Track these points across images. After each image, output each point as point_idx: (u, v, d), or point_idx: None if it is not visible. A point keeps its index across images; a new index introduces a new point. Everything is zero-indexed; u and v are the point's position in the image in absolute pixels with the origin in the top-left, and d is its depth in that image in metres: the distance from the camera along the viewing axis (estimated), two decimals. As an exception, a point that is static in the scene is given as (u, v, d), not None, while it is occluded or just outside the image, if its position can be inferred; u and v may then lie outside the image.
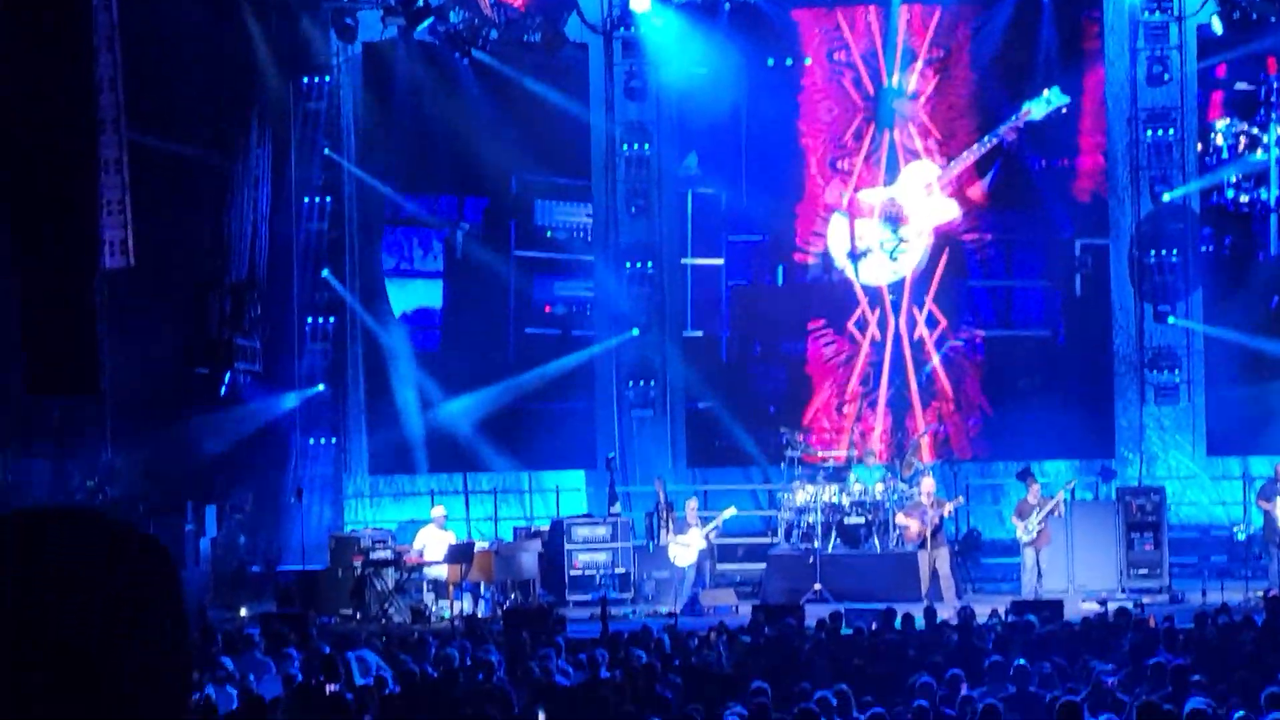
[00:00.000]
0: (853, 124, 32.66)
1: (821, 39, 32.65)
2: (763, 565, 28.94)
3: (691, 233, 33.05)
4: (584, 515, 30.24)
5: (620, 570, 28.73)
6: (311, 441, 31.98)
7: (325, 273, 31.72)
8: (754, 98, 32.71)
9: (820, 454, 30.29)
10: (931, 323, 32.42)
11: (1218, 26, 30.93)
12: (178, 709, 2.26)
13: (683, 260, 32.85)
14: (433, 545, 27.46)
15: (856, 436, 30.96)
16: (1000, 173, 32.09)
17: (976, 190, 32.26)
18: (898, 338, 32.43)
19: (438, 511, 28.66)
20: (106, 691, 2.17)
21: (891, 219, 32.29)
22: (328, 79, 32.02)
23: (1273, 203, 31.65)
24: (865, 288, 32.49)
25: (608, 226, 32.97)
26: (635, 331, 32.57)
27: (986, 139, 31.25)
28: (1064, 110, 30.66)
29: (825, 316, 32.80)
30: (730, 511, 28.76)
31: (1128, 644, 18.25)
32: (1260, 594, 25.55)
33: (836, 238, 32.65)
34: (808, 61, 32.67)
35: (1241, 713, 13.48)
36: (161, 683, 2.23)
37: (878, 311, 32.48)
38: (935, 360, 32.32)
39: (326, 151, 31.81)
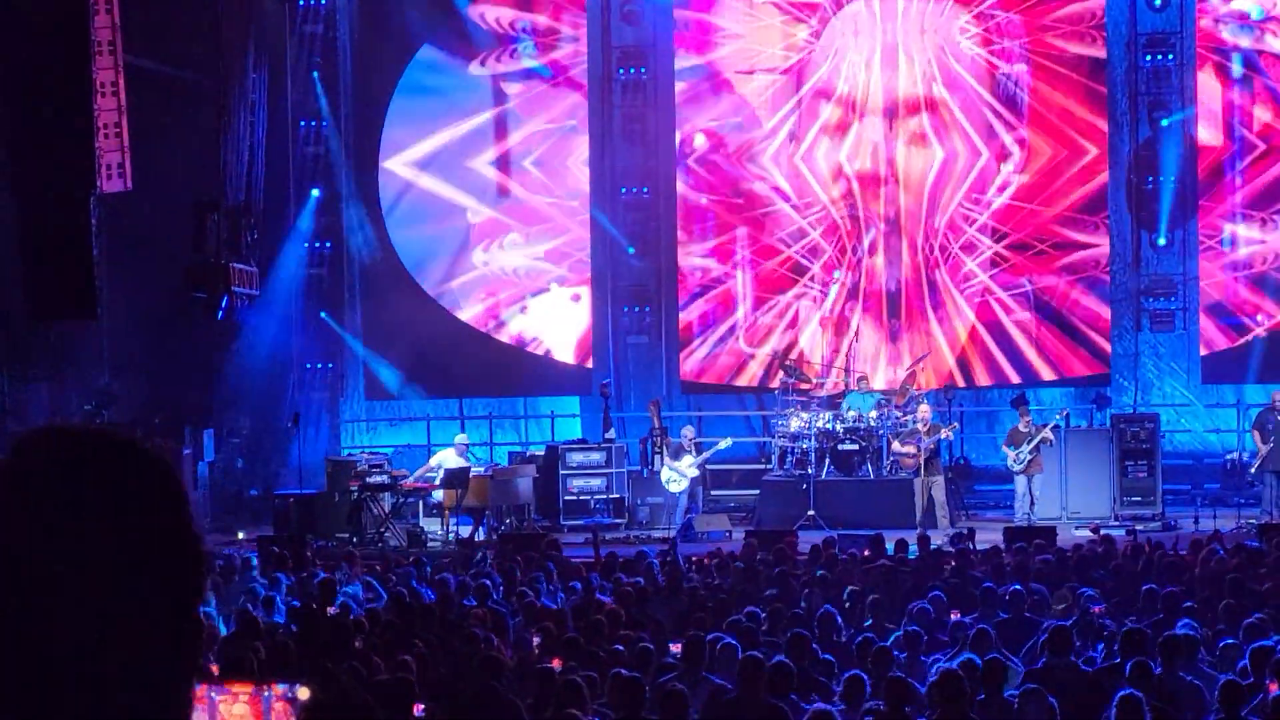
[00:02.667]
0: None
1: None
2: (757, 491, 29.07)
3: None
4: (578, 441, 30.31)
5: (614, 496, 28.83)
6: (308, 366, 32.06)
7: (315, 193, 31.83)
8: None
9: (814, 381, 30.36)
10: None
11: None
12: (187, 627, 2.25)
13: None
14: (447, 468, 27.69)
15: (850, 363, 30.96)
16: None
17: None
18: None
19: (461, 438, 28.79)
20: (110, 608, 2.17)
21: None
22: (324, 3, 31.94)
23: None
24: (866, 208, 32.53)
25: (603, 150, 32.89)
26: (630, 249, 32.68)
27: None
28: None
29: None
30: (726, 442, 28.85)
31: (1120, 571, 18.34)
32: (1251, 520, 25.75)
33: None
34: None
35: (1230, 639, 13.56)
36: (169, 598, 2.22)
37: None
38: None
39: (315, 74, 31.74)
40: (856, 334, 31.88)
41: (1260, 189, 31.97)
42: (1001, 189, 32.31)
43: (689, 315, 33.08)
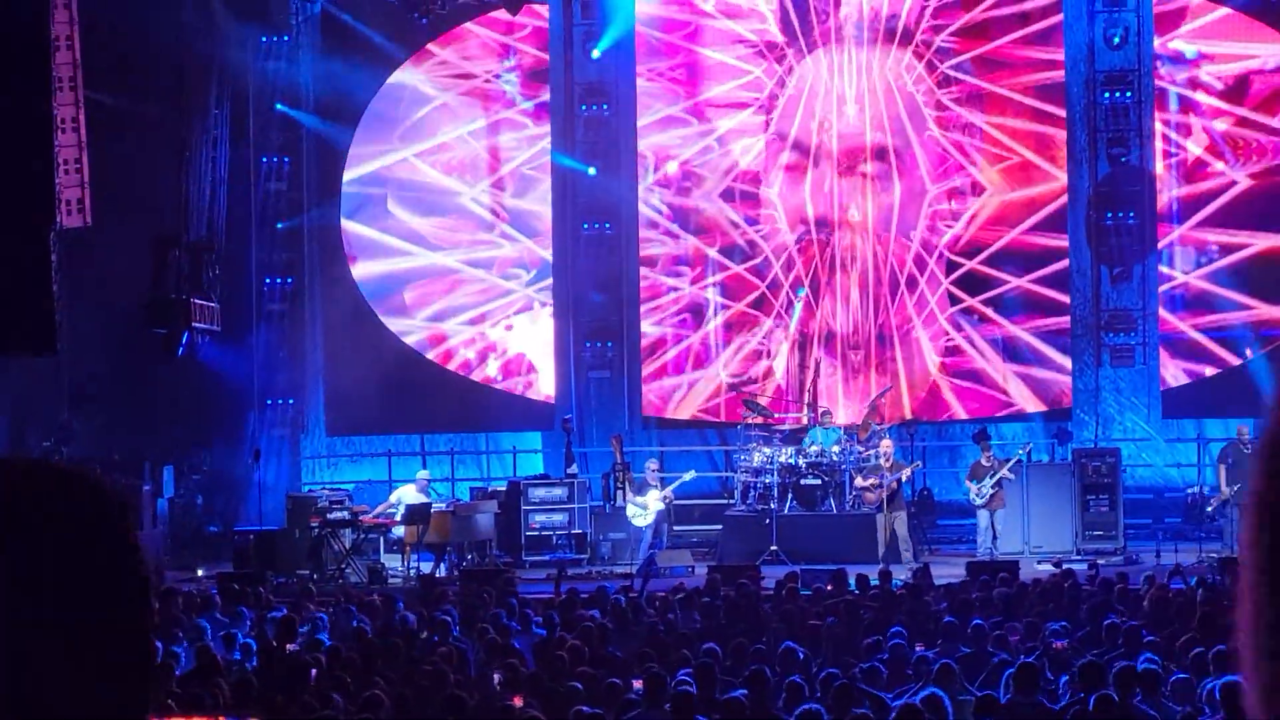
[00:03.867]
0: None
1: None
2: (719, 527, 29.03)
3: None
4: (540, 476, 30.25)
5: (577, 531, 28.74)
6: (269, 402, 31.97)
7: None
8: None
9: (777, 416, 30.43)
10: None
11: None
12: (136, 670, 2.21)
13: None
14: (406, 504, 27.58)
15: (811, 398, 31.00)
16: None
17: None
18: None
19: (423, 474, 28.70)
20: (53, 653, 2.13)
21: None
22: (286, 38, 31.95)
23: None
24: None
25: (565, 186, 32.94)
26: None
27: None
28: None
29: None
30: (690, 474, 28.85)
31: (1082, 606, 18.35)
32: (1213, 554, 25.76)
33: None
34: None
35: (1183, 674, 13.56)
36: (116, 643, 2.18)
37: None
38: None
39: (279, 107, 31.75)
40: (817, 370, 31.93)
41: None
42: (961, 229, 32.54)
43: (661, 339, 33.16)
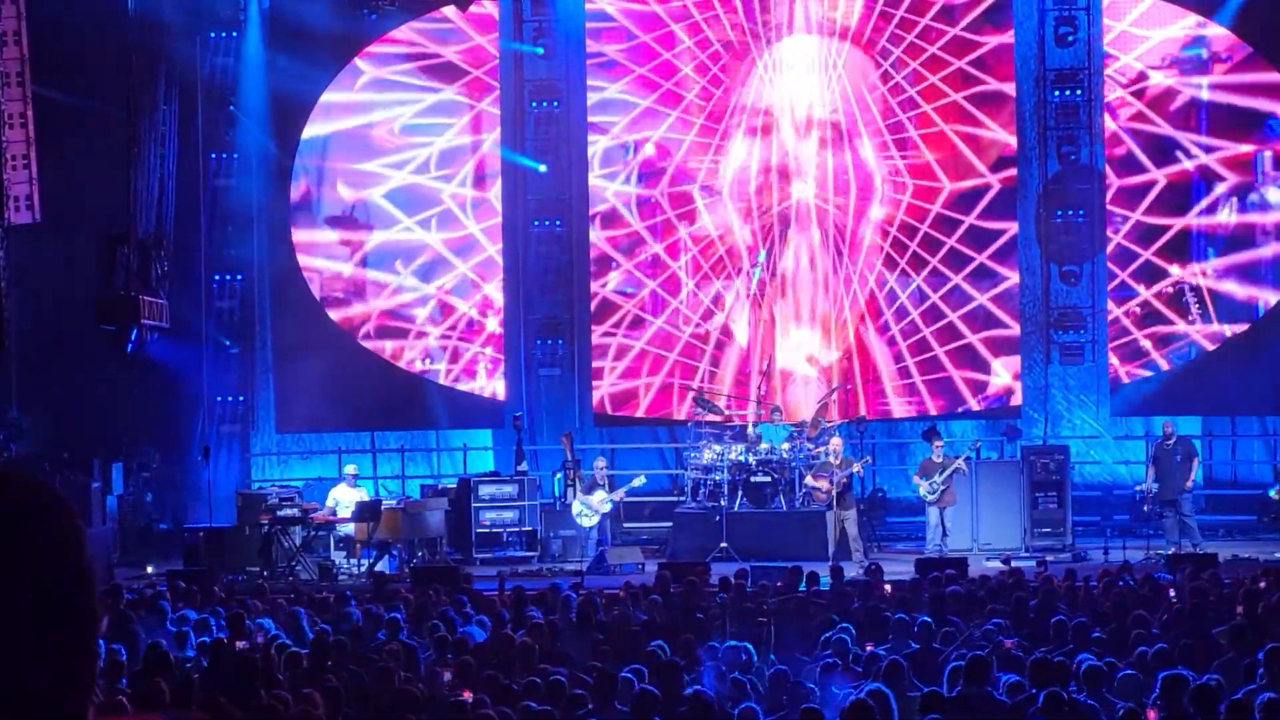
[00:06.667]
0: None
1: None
2: (670, 524, 29.06)
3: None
4: (491, 473, 30.23)
5: (527, 528, 28.73)
6: (219, 399, 31.88)
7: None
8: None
9: (727, 413, 30.48)
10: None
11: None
12: (79, 670, 2.22)
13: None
14: (345, 503, 27.48)
15: (762, 395, 31.07)
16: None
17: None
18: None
19: (349, 469, 28.70)
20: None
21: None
22: (235, 34, 31.87)
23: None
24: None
25: (515, 185, 32.91)
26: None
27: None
28: None
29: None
30: (640, 479, 28.81)
31: (1029, 602, 18.44)
32: (1159, 552, 25.89)
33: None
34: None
35: (1134, 670, 13.65)
36: (61, 643, 2.18)
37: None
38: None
39: (231, 108, 31.70)
40: (769, 366, 31.99)
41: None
42: (911, 212, 32.68)
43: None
